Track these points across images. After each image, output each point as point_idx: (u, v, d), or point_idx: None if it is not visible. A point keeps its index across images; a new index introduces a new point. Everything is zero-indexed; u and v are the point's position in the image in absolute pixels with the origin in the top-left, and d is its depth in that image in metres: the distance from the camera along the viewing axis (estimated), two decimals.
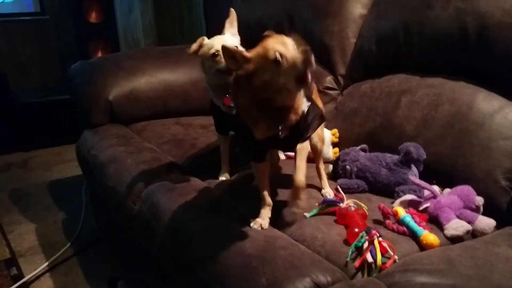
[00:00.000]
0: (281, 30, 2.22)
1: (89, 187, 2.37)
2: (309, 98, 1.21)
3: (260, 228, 1.17)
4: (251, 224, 1.19)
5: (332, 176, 1.55)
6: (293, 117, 1.14)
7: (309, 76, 1.03)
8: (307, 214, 1.25)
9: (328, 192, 1.40)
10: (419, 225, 1.15)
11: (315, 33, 2.06)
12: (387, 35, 1.75)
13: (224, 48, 1.07)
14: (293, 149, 1.23)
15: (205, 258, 1.11)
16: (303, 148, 1.22)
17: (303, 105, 1.18)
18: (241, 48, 1.28)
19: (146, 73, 2.20)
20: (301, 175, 1.18)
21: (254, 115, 1.13)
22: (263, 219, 1.20)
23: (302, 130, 1.19)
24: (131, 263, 1.82)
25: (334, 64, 1.99)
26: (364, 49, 1.87)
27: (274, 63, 1.03)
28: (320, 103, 1.44)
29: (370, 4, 1.93)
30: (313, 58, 1.02)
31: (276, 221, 1.23)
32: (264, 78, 1.06)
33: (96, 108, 2.08)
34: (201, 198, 1.35)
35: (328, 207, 1.27)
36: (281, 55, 1.03)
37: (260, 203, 1.23)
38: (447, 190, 1.33)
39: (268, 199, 1.23)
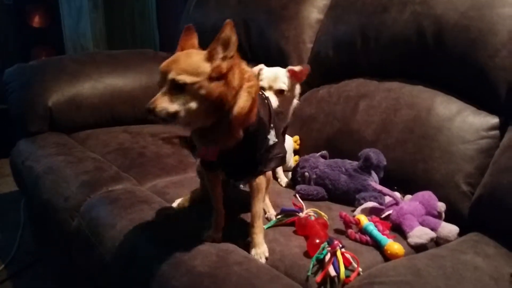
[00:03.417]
0: (237, 36, 2.16)
1: (27, 204, 2.16)
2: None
3: (211, 241, 1.06)
4: (203, 237, 1.08)
5: (291, 184, 1.48)
6: (226, 142, 0.96)
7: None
8: (265, 226, 1.16)
9: (272, 213, 1.24)
10: (383, 234, 1.08)
11: (271, 39, 2.00)
12: (344, 39, 1.71)
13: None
14: (240, 178, 1.13)
15: (151, 278, 0.99)
16: (260, 185, 1.07)
17: (271, 136, 1.06)
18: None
19: (91, 78, 2.04)
20: (258, 221, 1.07)
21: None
22: (216, 232, 1.09)
23: (257, 161, 1.05)
24: (71, 285, 1.64)
25: None
26: (321, 54, 1.82)
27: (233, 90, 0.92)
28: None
29: (326, 8, 1.89)
30: None
31: (231, 232, 1.12)
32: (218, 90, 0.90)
33: (33, 114, 1.89)
34: (147, 210, 1.22)
35: (286, 217, 1.19)
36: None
37: (212, 213, 1.12)
38: (408, 196, 1.28)
39: (220, 208, 1.11)
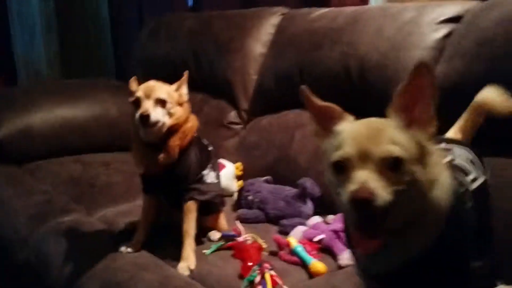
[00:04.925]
0: (187, 66, 2.27)
1: None
2: None
3: (126, 252, 1.24)
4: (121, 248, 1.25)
5: (236, 207, 1.59)
6: (163, 157, 1.20)
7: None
8: (207, 251, 1.26)
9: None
10: (310, 254, 1.20)
11: (219, 69, 2.12)
12: (283, 73, 1.85)
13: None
14: (176, 202, 1.26)
15: None
16: (190, 207, 1.24)
17: (208, 174, 1.27)
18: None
19: (42, 109, 2.07)
20: (188, 239, 1.22)
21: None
22: (134, 246, 1.26)
23: (190, 188, 1.23)
24: None
25: (237, 99, 2.06)
26: (264, 86, 1.96)
27: None
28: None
29: (269, 43, 2.04)
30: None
31: (174, 259, 1.21)
32: None
33: None
34: (95, 241, 1.29)
35: (226, 242, 1.29)
36: None
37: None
38: (330, 216, 1.37)
39: (144, 227, 1.29)
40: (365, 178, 0.63)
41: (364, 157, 0.65)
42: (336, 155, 0.67)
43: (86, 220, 1.45)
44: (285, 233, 1.35)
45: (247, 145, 1.88)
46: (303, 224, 1.37)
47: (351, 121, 0.74)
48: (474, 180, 0.82)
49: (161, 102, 1.18)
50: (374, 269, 0.75)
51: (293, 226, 1.36)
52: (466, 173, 0.82)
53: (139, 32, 2.78)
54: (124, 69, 3.33)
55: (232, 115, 2.05)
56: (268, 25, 2.05)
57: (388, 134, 0.67)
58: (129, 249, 1.25)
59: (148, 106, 1.16)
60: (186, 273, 1.16)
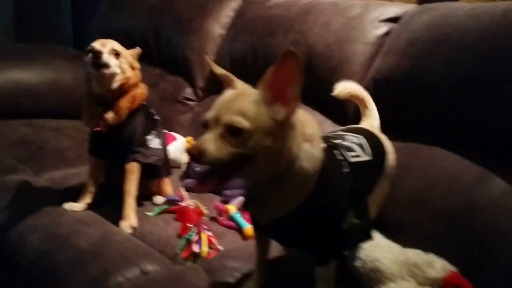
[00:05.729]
0: (146, 41, 2.29)
1: None
2: None
3: (71, 210, 1.31)
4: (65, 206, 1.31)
5: (183, 177, 1.67)
6: (111, 116, 1.26)
7: None
8: (150, 213, 1.34)
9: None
10: (246, 221, 1.31)
11: (178, 47, 2.18)
12: (239, 56, 1.94)
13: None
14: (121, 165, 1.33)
15: (39, 256, 1.13)
16: (132, 168, 1.30)
17: (152, 139, 1.35)
18: None
19: None
20: (128, 198, 1.29)
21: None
22: (79, 203, 1.33)
23: (132, 150, 1.30)
24: None
25: (194, 77, 2.13)
26: (220, 66, 2.00)
27: None
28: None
29: (228, 25, 2.12)
30: None
31: (118, 219, 1.29)
32: None
33: None
34: (42, 197, 1.34)
35: (170, 206, 1.38)
36: None
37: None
38: None
39: (89, 187, 1.35)
40: (204, 137, 0.77)
41: (216, 121, 0.78)
42: (204, 116, 0.82)
43: (33, 180, 1.49)
44: (227, 202, 1.45)
45: (200, 121, 1.95)
46: (243, 194, 1.47)
47: (234, 88, 0.88)
48: (356, 156, 0.99)
49: (115, 53, 1.26)
50: (261, 220, 0.90)
51: (235, 196, 1.46)
52: (351, 150, 1.00)
53: (101, 2, 2.77)
54: (83, 39, 3.29)
55: (188, 92, 2.11)
56: (228, 8, 2.12)
57: (239, 106, 0.79)
58: (75, 207, 1.31)
59: (102, 49, 1.24)
60: (128, 231, 1.24)
